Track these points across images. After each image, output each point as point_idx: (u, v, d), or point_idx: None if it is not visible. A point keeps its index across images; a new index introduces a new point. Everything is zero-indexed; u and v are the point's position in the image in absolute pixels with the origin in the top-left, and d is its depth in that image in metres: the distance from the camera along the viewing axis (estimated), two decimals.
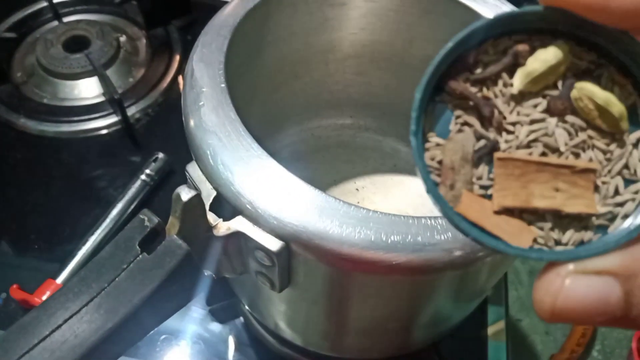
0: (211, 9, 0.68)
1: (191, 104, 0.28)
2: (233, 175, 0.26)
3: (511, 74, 0.16)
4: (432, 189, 0.16)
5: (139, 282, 0.22)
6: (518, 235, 0.16)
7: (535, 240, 0.16)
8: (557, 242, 0.16)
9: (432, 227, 0.24)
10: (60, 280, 0.45)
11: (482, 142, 0.16)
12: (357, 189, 0.47)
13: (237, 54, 0.32)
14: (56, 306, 0.22)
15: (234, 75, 0.31)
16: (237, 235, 0.25)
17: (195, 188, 0.27)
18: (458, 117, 0.17)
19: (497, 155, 0.16)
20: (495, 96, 0.16)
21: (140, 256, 0.23)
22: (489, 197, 0.16)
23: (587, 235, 0.16)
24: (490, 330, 0.46)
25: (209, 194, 0.26)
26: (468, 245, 0.24)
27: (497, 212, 0.16)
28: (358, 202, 0.45)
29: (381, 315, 0.30)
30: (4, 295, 0.46)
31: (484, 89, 0.16)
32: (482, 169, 0.16)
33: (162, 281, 0.22)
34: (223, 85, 0.28)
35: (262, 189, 0.25)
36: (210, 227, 0.25)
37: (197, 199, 0.23)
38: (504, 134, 0.16)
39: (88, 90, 0.58)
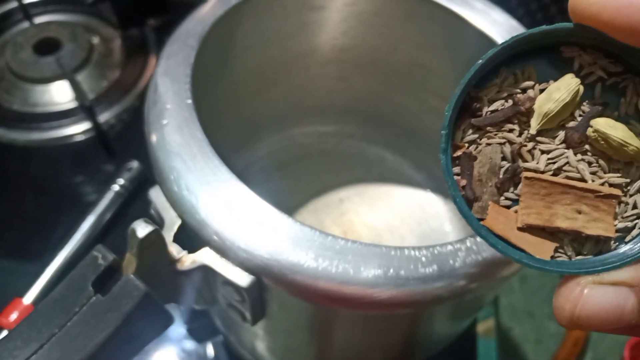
0: (188, 8, 0.66)
1: (154, 122, 0.26)
2: (198, 201, 0.23)
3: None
4: (461, 203, 0.17)
5: (92, 327, 0.20)
6: (540, 247, 0.17)
7: (556, 251, 0.17)
8: (577, 253, 0.17)
9: (416, 259, 0.22)
10: (28, 300, 0.42)
11: (507, 164, 0.17)
12: (340, 200, 0.45)
13: (206, 63, 0.30)
14: (3, 354, 0.20)
15: (203, 85, 0.29)
16: (204, 269, 0.23)
17: (158, 215, 0.24)
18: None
19: (525, 174, 0.17)
20: (511, 130, 0.17)
21: (94, 298, 0.20)
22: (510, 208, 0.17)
23: (605, 247, 0.17)
24: (480, 327, 0.45)
25: (173, 222, 0.24)
26: (454, 278, 0.22)
27: (521, 228, 0.17)
28: (342, 214, 0.43)
29: (365, 345, 0.28)
30: None
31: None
32: (508, 183, 0.17)
33: (118, 325, 0.20)
34: (189, 101, 0.26)
35: (231, 218, 0.23)
36: (173, 261, 0.22)
37: (155, 234, 0.21)
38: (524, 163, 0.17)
39: (60, 95, 0.56)
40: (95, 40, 0.59)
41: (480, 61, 0.17)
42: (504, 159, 0.17)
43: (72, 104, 0.55)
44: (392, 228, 0.43)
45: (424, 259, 0.22)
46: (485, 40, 0.32)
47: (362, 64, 0.41)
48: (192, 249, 0.23)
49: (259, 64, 0.38)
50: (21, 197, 0.50)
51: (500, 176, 0.17)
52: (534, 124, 0.17)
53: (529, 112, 0.17)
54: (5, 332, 0.41)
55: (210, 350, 0.43)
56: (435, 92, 0.40)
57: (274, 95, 0.42)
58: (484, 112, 0.17)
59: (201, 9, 0.30)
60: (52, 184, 0.51)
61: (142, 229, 0.20)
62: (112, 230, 0.48)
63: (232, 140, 0.42)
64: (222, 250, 0.23)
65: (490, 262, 0.23)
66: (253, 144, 0.45)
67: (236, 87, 0.38)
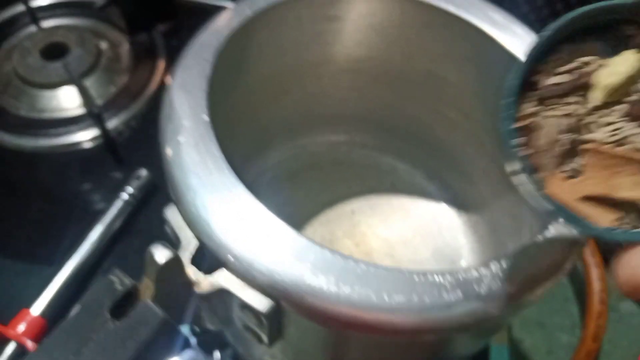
0: (197, 13, 0.65)
1: (170, 139, 0.25)
2: (216, 222, 0.23)
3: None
4: (524, 172, 0.17)
5: (109, 355, 0.20)
6: (602, 216, 0.17)
7: (617, 221, 0.17)
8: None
9: (440, 285, 0.21)
10: (36, 311, 0.42)
11: (569, 136, 0.17)
12: (352, 211, 0.44)
13: (221, 75, 0.30)
14: None
15: (217, 95, 0.28)
16: (221, 292, 0.22)
17: (174, 234, 0.24)
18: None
19: (587, 146, 0.17)
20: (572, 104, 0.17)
21: (111, 324, 0.20)
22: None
23: None
24: None
25: (189, 243, 0.23)
26: (479, 305, 0.21)
27: (582, 198, 0.17)
28: (354, 226, 0.43)
29: None
30: None
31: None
32: (569, 155, 0.17)
33: (135, 353, 0.19)
34: (206, 117, 0.25)
35: (249, 240, 0.22)
36: (190, 284, 0.22)
37: (175, 261, 0.20)
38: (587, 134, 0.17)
39: (67, 100, 0.55)
40: (103, 45, 0.58)
41: (547, 32, 0.17)
42: (565, 131, 0.17)
43: (80, 110, 0.54)
44: (405, 240, 0.42)
45: (448, 285, 0.21)
46: (504, 53, 0.32)
47: (375, 74, 0.40)
48: (209, 271, 0.23)
49: (272, 72, 0.37)
50: (28, 204, 0.50)
51: (562, 148, 0.17)
52: (598, 96, 0.17)
53: (590, 86, 0.17)
54: (13, 344, 0.40)
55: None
56: (451, 103, 0.39)
57: (286, 104, 0.41)
58: (545, 85, 0.17)
59: (216, 21, 0.29)
60: (60, 191, 0.51)
61: (161, 255, 0.19)
62: (120, 240, 0.47)
63: (244, 149, 0.41)
64: (240, 273, 0.22)
65: (516, 287, 0.22)
66: (264, 153, 0.44)
67: (248, 96, 0.37)
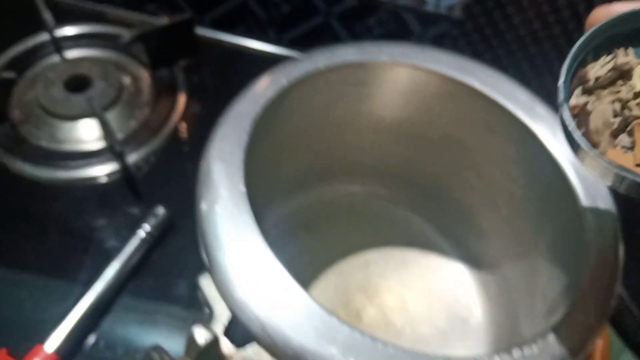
0: (217, 49, 0.67)
1: (207, 209, 0.26)
2: (249, 297, 0.24)
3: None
4: (585, 146, 0.20)
5: None
6: None
7: None
8: None
9: None
10: (50, 348, 0.42)
11: (619, 118, 0.21)
12: (366, 263, 0.45)
13: (253, 138, 0.31)
14: None
15: (247, 153, 0.29)
16: None
17: (207, 304, 0.25)
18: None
19: (637, 121, 0.20)
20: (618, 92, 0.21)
21: None
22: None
23: None
24: None
25: (222, 314, 0.24)
26: None
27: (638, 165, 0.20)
28: (367, 278, 0.44)
29: None
30: None
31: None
32: (622, 133, 0.20)
33: None
34: (242, 188, 0.26)
35: (281, 316, 0.23)
36: (223, 357, 0.23)
37: (214, 343, 0.21)
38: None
39: (88, 132, 0.56)
40: (126, 79, 0.60)
41: (596, 27, 0.21)
42: (615, 115, 0.21)
43: (100, 144, 0.55)
44: (418, 295, 0.43)
45: None
46: (524, 130, 0.33)
47: (396, 133, 0.41)
48: (241, 342, 0.24)
49: (297, 130, 0.38)
50: (44, 236, 0.50)
51: (615, 127, 0.20)
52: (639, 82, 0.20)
53: (631, 76, 0.21)
54: None
55: None
56: (469, 167, 0.40)
57: (307, 158, 0.42)
58: (591, 78, 0.21)
59: (253, 89, 0.30)
60: (76, 224, 0.51)
61: (202, 337, 0.20)
62: (135, 277, 0.48)
63: (263, 198, 0.42)
64: (271, 350, 0.23)
65: None
66: (282, 201, 0.45)
67: (272, 150, 0.38)
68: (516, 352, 0.23)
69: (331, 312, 0.23)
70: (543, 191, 0.33)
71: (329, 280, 0.43)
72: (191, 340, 0.21)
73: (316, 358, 0.22)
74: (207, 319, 0.24)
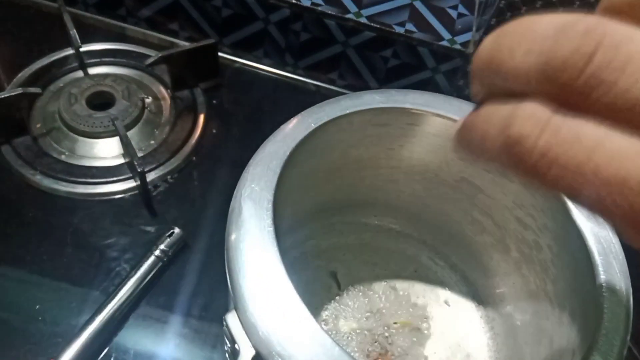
0: (237, 72, 0.68)
1: (236, 247, 0.27)
2: (274, 337, 0.25)
3: None
4: None
5: None
6: None
7: None
8: None
9: None
10: None
11: None
12: (375, 294, 0.46)
13: (280, 177, 0.32)
14: None
15: (275, 193, 0.31)
16: None
17: (232, 340, 0.26)
18: None
19: None
20: None
21: None
22: None
23: None
24: None
25: (247, 352, 0.25)
26: None
27: None
28: (374, 310, 0.45)
29: None
30: None
31: None
32: None
33: None
34: (270, 228, 0.28)
35: (305, 357, 0.24)
36: None
37: None
38: None
39: (107, 149, 0.57)
40: (148, 99, 0.61)
41: None
42: None
43: (119, 160, 0.57)
44: (423, 329, 0.44)
45: None
46: None
47: (412, 172, 0.43)
48: None
49: (318, 167, 0.40)
50: (61, 251, 0.51)
51: None
52: None
53: None
54: None
55: None
56: (481, 208, 0.41)
57: (326, 191, 0.43)
58: None
59: (283, 131, 0.31)
60: (92, 240, 0.52)
61: None
62: (147, 295, 0.49)
63: (283, 226, 0.43)
64: None
65: None
66: (298, 228, 0.46)
67: (293, 186, 0.39)
68: None
69: (353, 356, 0.24)
70: (556, 239, 0.34)
71: (338, 311, 0.44)
72: None
73: None
74: (231, 357, 0.25)
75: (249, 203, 0.28)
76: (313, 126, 0.31)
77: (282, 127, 0.32)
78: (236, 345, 0.25)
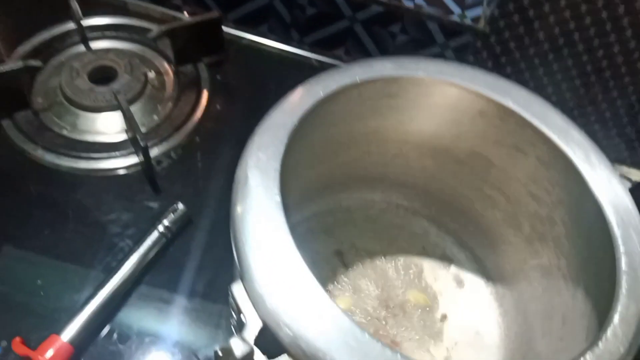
0: (241, 47, 0.67)
1: (243, 217, 0.26)
2: (282, 307, 0.24)
3: None
4: None
5: None
6: None
7: None
8: None
9: None
10: (66, 337, 0.43)
11: None
12: (382, 270, 0.45)
13: (287, 148, 0.31)
14: None
15: (282, 163, 0.30)
16: None
17: (238, 312, 0.25)
18: None
19: None
20: None
21: None
22: None
23: None
24: None
25: (254, 323, 0.24)
26: None
27: None
28: (381, 286, 0.44)
29: None
30: (4, 343, 0.43)
31: None
32: None
33: None
34: (278, 198, 0.27)
35: (314, 329, 0.23)
36: None
37: (250, 355, 0.21)
38: None
39: (110, 124, 0.56)
40: (150, 73, 0.60)
41: None
42: None
43: (122, 136, 0.56)
44: (432, 306, 0.43)
45: None
46: (556, 152, 0.33)
47: (421, 146, 0.42)
48: (270, 354, 0.24)
49: (325, 139, 0.39)
50: (63, 226, 0.51)
51: None
52: None
53: None
54: None
55: None
56: (493, 184, 0.40)
57: (332, 165, 0.42)
58: None
59: (290, 100, 0.30)
60: (95, 215, 0.52)
61: (239, 349, 0.20)
62: (151, 271, 0.48)
63: (289, 201, 0.42)
64: None
65: None
66: (302, 205, 0.45)
67: (300, 158, 0.38)
68: None
69: (363, 329, 0.23)
70: (572, 215, 0.33)
71: (344, 286, 0.43)
72: (228, 352, 0.21)
73: None
74: (237, 328, 0.24)
75: (255, 172, 0.27)
76: (322, 94, 0.30)
77: (288, 95, 0.31)
78: (242, 317, 0.24)
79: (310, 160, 0.39)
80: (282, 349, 0.24)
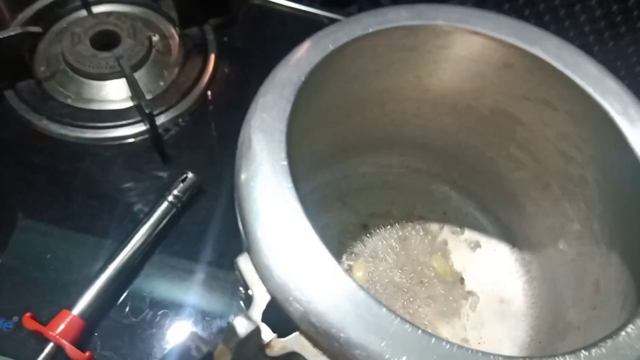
0: (249, 7, 0.64)
1: (246, 184, 0.24)
2: (291, 280, 0.22)
3: None
4: None
5: None
6: None
7: None
8: None
9: None
10: (76, 312, 0.42)
11: None
12: (403, 238, 0.43)
13: (295, 108, 0.28)
14: None
15: (289, 124, 0.27)
16: (293, 356, 0.21)
17: (245, 286, 0.23)
18: None
19: None
20: None
21: None
22: None
23: None
24: None
25: (261, 298, 0.22)
26: None
27: None
28: (402, 254, 0.42)
29: None
30: (16, 319, 0.43)
31: None
32: None
33: None
34: (284, 162, 0.24)
35: (325, 302, 0.21)
36: (262, 346, 0.21)
37: (255, 332, 0.19)
38: None
39: (116, 92, 0.54)
40: (155, 37, 0.57)
41: None
42: None
43: (128, 104, 0.53)
44: (455, 272, 0.41)
45: None
46: (591, 103, 0.30)
47: (442, 104, 0.39)
48: (281, 331, 0.22)
49: (338, 99, 0.36)
50: (70, 197, 0.49)
51: None
52: None
53: None
54: (51, 345, 0.40)
55: None
56: (519, 142, 0.38)
57: (345, 127, 0.40)
58: None
59: (296, 54, 0.28)
60: (103, 187, 0.50)
61: (242, 327, 0.19)
62: (162, 242, 0.47)
63: (299, 167, 0.40)
64: (315, 340, 0.21)
65: None
66: (316, 172, 0.43)
67: (310, 120, 0.36)
68: (583, 353, 0.21)
69: (380, 301, 0.21)
70: (607, 174, 0.30)
71: (363, 254, 0.41)
72: (231, 330, 0.19)
73: (365, 353, 0.20)
74: (245, 303, 0.22)
75: (259, 135, 0.25)
76: (331, 48, 0.28)
77: (295, 49, 0.28)
78: (250, 291, 0.22)
79: (322, 123, 0.36)
80: (292, 325, 0.22)
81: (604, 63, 0.30)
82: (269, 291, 0.22)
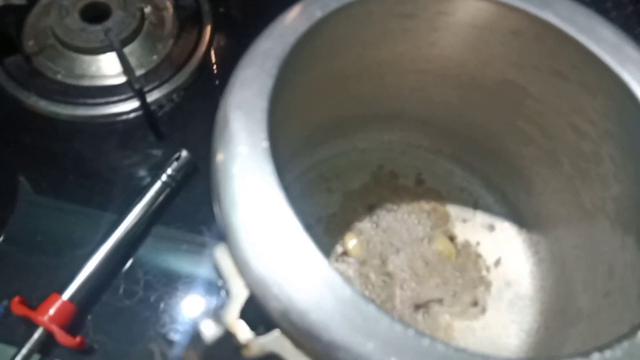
0: None
1: (224, 168, 0.22)
2: (271, 274, 0.20)
3: None
4: None
5: None
6: None
7: None
8: None
9: None
10: (66, 296, 0.40)
11: None
12: (403, 218, 0.41)
13: (280, 82, 0.26)
14: None
15: (272, 100, 0.25)
16: (273, 357, 0.20)
17: (223, 279, 0.21)
18: None
19: None
20: None
21: None
22: None
23: None
24: None
25: (239, 292, 0.21)
26: None
27: None
28: (404, 236, 0.40)
29: None
30: (5, 302, 0.42)
31: None
32: None
33: None
34: (265, 144, 0.22)
35: (308, 299, 0.20)
36: (238, 348, 0.19)
37: (225, 337, 0.17)
38: None
39: (108, 67, 0.52)
40: (147, 9, 0.55)
41: None
42: None
43: (121, 79, 0.51)
44: (459, 253, 0.39)
45: None
46: (607, 73, 0.27)
47: (444, 76, 0.36)
48: (259, 330, 0.20)
49: (330, 71, 0.34)
50: (63, 177, 0.48)
51: None
52: None
53: None
54: (40, 330, 0.39)
55: None
56: (528, 116, 0.35)
57: (341, 102, 0.37)
58: None
59: (280, 23, 0.25)
60: (96, 165, 0.48)
61: (209, 332, 0.17)
62: (157, 223, 0.45)
63: (292, 146, 0.38)
64: (296, 340, 0.19)
65: None
66: (311, 149, 0.41)
67: (302, 94, 0.33)
68: (596, 356, 0.19)
69: (368, 299, 0.19)
70: (624, 150, 0.28)
71: (362, 237, 0.40)
72: (198, 335, 0.17)
73: (351, 355, 0.18)
74: (222, 300, 0.20)
75: (237, 113, 0.23)
76: (319, 15, 0.25)
77: (278, 18, 0.26)
78: (226, 285, 0.21)
79: (314, 98, 0.34)
80: (272, 324, 0.20)
81: (622, 30, 0.27)
82: (247, 285, 0.21)
